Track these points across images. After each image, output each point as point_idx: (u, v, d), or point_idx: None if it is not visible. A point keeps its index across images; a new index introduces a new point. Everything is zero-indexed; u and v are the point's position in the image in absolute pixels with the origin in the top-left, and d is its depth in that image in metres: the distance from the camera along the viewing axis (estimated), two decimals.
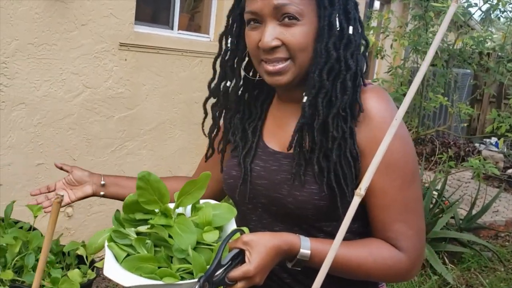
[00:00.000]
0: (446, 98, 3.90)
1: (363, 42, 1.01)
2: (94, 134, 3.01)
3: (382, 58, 4.10)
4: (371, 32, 3.64)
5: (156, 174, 0.97)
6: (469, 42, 3.63)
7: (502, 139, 3.81)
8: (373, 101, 0.97)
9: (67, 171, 1.31)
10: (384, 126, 0.95)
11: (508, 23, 4.26)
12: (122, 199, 1.01)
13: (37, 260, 1.24)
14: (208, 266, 0.87)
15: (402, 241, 0.96)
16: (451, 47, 3.48)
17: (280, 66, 0.97)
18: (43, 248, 0.73)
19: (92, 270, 1.31)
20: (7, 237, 1.21)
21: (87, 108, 2.92)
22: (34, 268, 1.23)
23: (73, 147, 2.88)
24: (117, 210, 0.99)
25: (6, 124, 2.50)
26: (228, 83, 1.08)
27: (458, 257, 3.90)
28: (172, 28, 3.67)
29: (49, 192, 1.30)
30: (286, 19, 0.94)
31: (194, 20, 4.06)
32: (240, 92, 1.11)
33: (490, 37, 4.57)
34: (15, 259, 1.22)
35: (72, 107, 2.82)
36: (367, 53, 1.05)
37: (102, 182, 1.28)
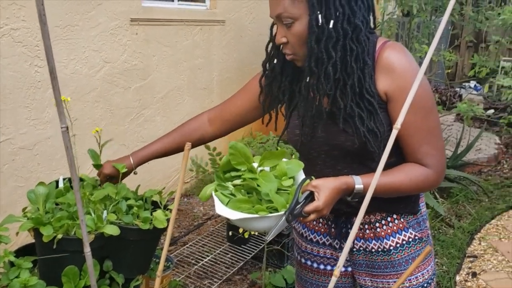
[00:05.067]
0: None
1: (359, 24, 1.22)
2: (115, 105, 3.28)
3: None
4: None
5: None
6: None
7: (486, 85, 4.14)
8: (393, 55, 1.25)
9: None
10: (405, 74, 1.22)
11: None
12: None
13: (127, 205, 1.56)
14: (287, 205, 1.22)
15: (428, 159, 1.27)
16: (434, 1, 3.75)
17: (290, 57, 1.31)
18: (179, 186, 1.04)
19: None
20: (106, 189, 1.51)
21: (108, 81, 3.17)
22: (126, 212, 1.55)
23: (99, 118, 3.15)
24: (217, 170, 1.36)
25: (43, 102, 2.75)
26: (275, 61, 1.38)
27: (447, 192, 4.31)
28: (172, 0, 3.88)
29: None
30: (287, 22, 1.25)
31: None
32: (284, 65, 1.38)
33: None
34: (112, 205, 1.53)
35: (95, 81, 3.08)
36: (365, 32, 1.24)
37: (134, 171, 1.60)
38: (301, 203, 1.20)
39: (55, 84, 0.96)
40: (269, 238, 1.23)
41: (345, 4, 1.20)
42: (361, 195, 1.24)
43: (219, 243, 3.11)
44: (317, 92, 1.27)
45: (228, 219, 1.29)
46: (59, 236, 1.33)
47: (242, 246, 2.97)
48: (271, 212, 1.24)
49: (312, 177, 1.27)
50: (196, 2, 4.19)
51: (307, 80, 1.29)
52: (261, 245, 2.96)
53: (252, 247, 2.98)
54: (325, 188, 1.20)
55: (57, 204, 1.47)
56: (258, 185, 1.31)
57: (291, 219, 1.19)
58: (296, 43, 1.26)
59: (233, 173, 1.35)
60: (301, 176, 1.34)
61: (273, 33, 1.36)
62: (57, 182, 1.58)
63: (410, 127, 1.26)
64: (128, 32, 3.27)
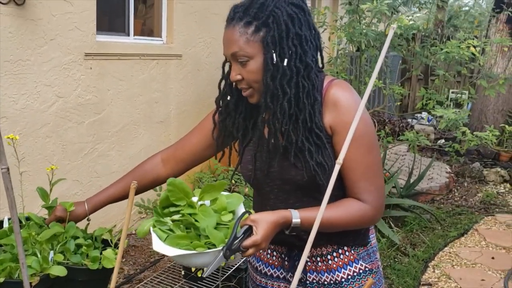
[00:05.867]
0: (380, 81, 4.37)
1: (310, 62, 1.28)
2: (68, 140, 3.22)
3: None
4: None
5: (125, 173, 1.46)
6: (397, 30, 4.09)
7: (426, 115, 4.33)
8: (340, 92, 1.31)
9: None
10: (350, 110, 1.29)
11: (430, 7, 4.81)
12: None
13: (76, 244, 1.52)
14: (226, 240, 1.23)
15: (366, 195, 1.30)
16: (382, 37, 3.92)
17: (246, 92, 1.33)
18: (124, 225, 1.03)
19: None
20: (53, 228, 1.47)
21: (60, 116, 3.12)
22: (74, 251, 1.51)
23: (51, 154, 3.08)
24: (155, 206, 1.36)
25: None
26: (229, 98, 1.41)
27: (401, 221, 4.40)
28: (128, 35, 3.89)
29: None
30: (241, 60, 1.29)
31: (146, 25, 4.29)
32: (238, 102, 1.41)
33: (413, 20, 5.10)
34: (59, 245, 1.49)
35: (47, 116, 3.02)
36: (314, 71, 1.30)
37: (87, 217, 1.57)
38: (239, 238, 1.21)
39: None
40: (206, 274, 1.21)
41: (297, 44, 1.26)
42: (299, 229, 1.27)
43: (175, 280, 3.05)
44: (273, 127, 1.31)
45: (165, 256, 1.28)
46: (1, 279, 1.28)
47: (199, 282, 2.92)
48: (209, 248, 1.25)
49: (251, 211, 1.29)
50: (152, 36, 4.22)
51: (263, 116, 1.33)
52: (217, 281, 2.92)
53: (209, 283, 2.94)
54: (263, 222, 1.22)
55: (0, 246, 1.42)
56: (196, 220, 1.30)
57: (229, 255, 1.20)
58: (251, 80, 1.30)
59: (172, 209, 1.34)
60: (242, 210, 1.35)
61: (225, 71, 1.40)
62: (1, 222, 1.53)
63: (350, 161, 1.29)
64: (82, 67, 3.25)
